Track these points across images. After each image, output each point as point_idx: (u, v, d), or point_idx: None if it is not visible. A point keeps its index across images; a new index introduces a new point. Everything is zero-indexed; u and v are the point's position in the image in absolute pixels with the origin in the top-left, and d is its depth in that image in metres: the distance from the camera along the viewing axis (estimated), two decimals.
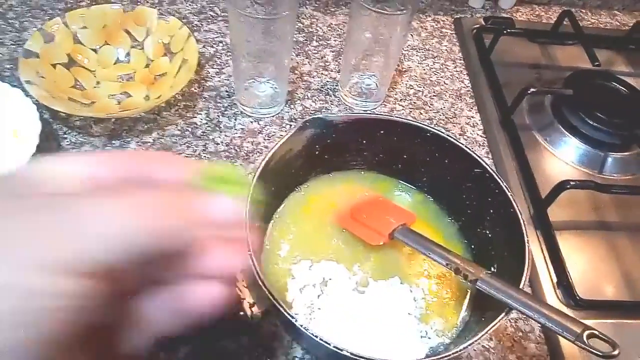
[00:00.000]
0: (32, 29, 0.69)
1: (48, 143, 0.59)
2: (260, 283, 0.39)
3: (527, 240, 0.45)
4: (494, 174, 0.48)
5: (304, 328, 0.37)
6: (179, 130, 0.62)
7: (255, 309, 0.41)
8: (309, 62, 0.72)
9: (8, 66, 0.66)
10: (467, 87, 0.74)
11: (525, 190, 0.62)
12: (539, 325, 0.49)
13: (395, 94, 0.71)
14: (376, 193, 0.56)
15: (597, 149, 0.67)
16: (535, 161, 0.65)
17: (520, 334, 0.51)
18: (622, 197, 0.62)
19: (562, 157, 0.67)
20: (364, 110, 0.68)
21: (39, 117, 0.55)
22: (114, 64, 0.67)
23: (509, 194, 0.47)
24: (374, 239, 0.50)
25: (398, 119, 0.53)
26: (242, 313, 0.41)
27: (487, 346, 0.50)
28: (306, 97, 0.68)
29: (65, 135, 0.60)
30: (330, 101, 0.68)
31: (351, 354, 0.37)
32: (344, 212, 0.53)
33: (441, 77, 0.74)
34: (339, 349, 0.37)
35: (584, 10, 0.93)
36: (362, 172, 0.58)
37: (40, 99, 0.56)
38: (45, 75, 0.60)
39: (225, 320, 0.41)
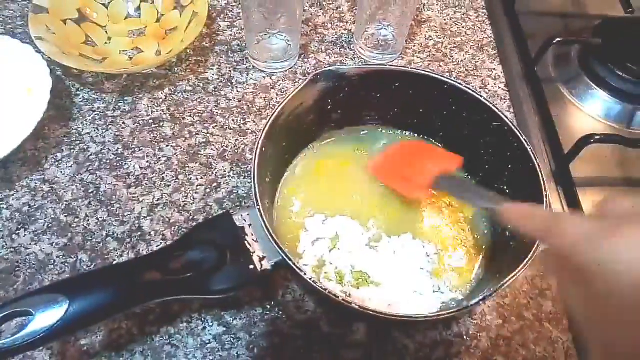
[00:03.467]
0: None
1: (61, 100, 0.59)
2: (269, 237, 0.39)
3: (547, 195, 0.43)
4: (513, 127, 0.46)
5: (312, 281, 0.37)
6: (190, 86, 0.61)
7: (265, 263, 0.41)
8: (323, 14, 0.70)
9: (20, 23, 0.65)
10: (490, 38, 0.70)
11: (547, 145, 0.60)
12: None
13: (414, 46, 0.68)
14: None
15: (626, 102, 0.64)
16: (559, 115, 0.62)
17: (537, 291, 0.50)
18: None
19: (588, 111, 0.64)
20: (381, 64, 0.66)
21: (49, 73, 0.55)
22: (125, 19, 0.66)
23: (528, 147, 0.45)
24: (412, 192, 0.48)
25: (414, 70, 0.51)
26: (251, 267, 0.40)
27: (502, 303, 0.49)
28: (320, 50, 0.66)
29: (78, 92, 0.60)
30: (345, 54, 0.66)
31: (359, 306, 0.37)
32: (379, 161, 0.50)
33: (462, 27, 0.71)
34: (347, 302, 0.37)
35: None
36: (377, 127, 0.56)
37: (51, 55, 0.56)
38: (55, 31, 0.60)
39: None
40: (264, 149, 0.44)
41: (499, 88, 0.65)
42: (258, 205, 0.40)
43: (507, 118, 0.47)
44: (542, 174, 0.44)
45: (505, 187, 0.50)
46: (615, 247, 0.23)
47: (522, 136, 0.46)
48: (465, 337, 0.47)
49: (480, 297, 0.38)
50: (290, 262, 0.38)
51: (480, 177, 0.53)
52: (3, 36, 0.58)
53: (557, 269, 0.29)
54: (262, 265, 0.41)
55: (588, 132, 0.56)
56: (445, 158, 0.50)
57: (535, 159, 0.45)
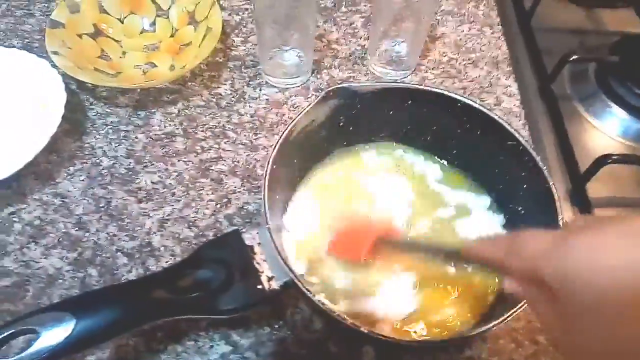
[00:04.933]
0: None
1: (75, 114, 0.59)
2: (279, 258, 0.38)
3: (562, 217, 0.42)
4: (527, 146, 0.46)
5: (321, 303, 0.37)
6: (203, 100, 0.62)
7: (273, 282, 0.41)
8: (336, 29, 0.70)
9: (37, 37, 0.66)
10: (505, 54, 0.70)
11: (563, 164, 0.59)
12: None
13: (427, 62, 0.68)
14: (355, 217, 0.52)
15: None
16: (575, 134, 0.61)
17: None
18: None
19: (605, 130, 0.63)
20: (394, 80, 0.65)
21: (64, 87, 0.56)
22: (140, 33, 0.67)
23: (543, 168, 0.44)
24: (357, 258, 0.46)
25: (427, 88, 0.50)
26: (259, 287, 0.40)
27: (515, 326, 0.48)
28: (333, 66, 0.66)
29: (92, 106, 0.61)
30: (359, 70, 0.66)
31: (368, 330, 0.36)
32: (332, 242, 0.49)
33: (477, 43, 0.70)
34: (356, 325, 0.36)
35: None
36: (389, 145, 0.56)
37: (66, 69, 0.56)
38: (71, 45, 0.60)
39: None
40: (274, 167, 0.44)
41: (514, 105, 0.64)
42: (267, 224, 0.40)
43: (521, 137, 0.46)
44: (557, 196, 0.43)
45: (519, 207, 0.49)
46: (568, 253, 0.24)
47: (536, 156, 0.45)
48: None
49: (494, 323, 0.37)
50: (298, 283, 0.37)
51: (493, 196, 0.52)
52: (20, 50, 0.59)
53: (526, 291, 0.28)
54: (270, 285, 0.40)
55: (605, 151, 0.55)
56: (382, 229, 0.48)
57: (550, 180, 0.44)
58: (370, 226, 0.49)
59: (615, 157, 0.53)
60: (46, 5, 0.69)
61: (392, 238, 0.47)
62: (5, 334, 0.33)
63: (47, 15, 0.67)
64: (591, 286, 0.22)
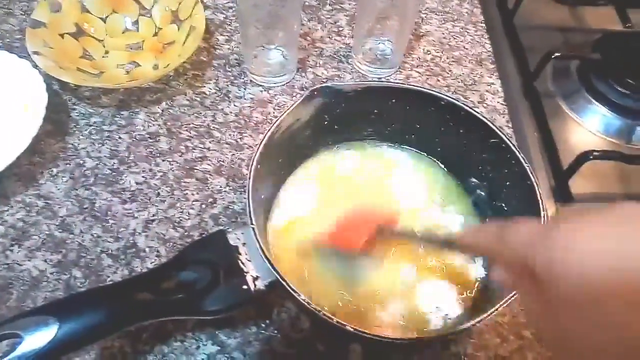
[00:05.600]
0: None
1: (57, 115, 0.59)
2: (263, 257, 0.38)
3: (544, 214, 0.42)
4: (510, 144, 0.46)
5: (307, 302, 0.37)
6: (187, 100, 0.61)
7: (259, 282, 0.41)
8: (321, 28, 0.70)
9: (18, 37, 0.65)
10: (488, 52, 0.70)
11: (546, 161, 0.60)
12: None
13: (412, 60, 0.68)
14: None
15: (626, 118, 0.63)
16: (558, 130, 0.62)
17: None
18: None
19: (588, 127, 0.63)
20: (379, 78, 0.66)
21: (46, 88, 0.55)
22: (122, 32, 0.66)
23: (526, 165, 0.45)
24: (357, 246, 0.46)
25: (410, 86, 0.50)
26: (245, 287, 0.40)
27: (501, 321, 0.48)
28: (318, 64, 0.66)
29: (75, 107, 0.60)
30: (343, 69, 0.66)
31: (354, 329, 0.36)
32: (330, 233, 0.48)
33: (461, 41, 0.71)
34: (342, 324, 0.36)
35: None
36: (374, 143, 0.56)
37: (48, 69, 0.56)
38: (53, 45, 0.60)
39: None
40: (259, 167, 0.43)
41: (498, 103, 0.65)
42: (253, 224, 0.40)
43: (504, 135, 0.47)
44: (539, 193, 0.43)
45: (503, 205, 0.49)
46: (555, 242, 0.24)
47: (519, 153, 0.45)
48: (463, 356, 0.46)
49: (480, 317, 0.38)
50: (284, 282, 0.37)
51: (478, 194, 0.52)
52: (1, 51, 0.58)
53: (514, 280, 0.28)
54: (255, 285, 0.40)
55: (587, 147, 0.56)
56: (384, 215, 0.48)
57: (534, 177, 0.44)
58: (369, 215, 0.48)
59: (597, 154, 0.54)
60: (27, 4, 0.69)
61: (392, 226, 0.46)
62: None
63: (27, 14, 0.67)
64: (577, 274, 0.22)
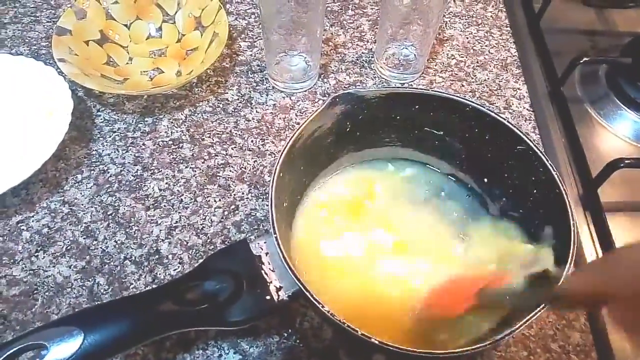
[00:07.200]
0: (66, 5, 0.69)
1: (82, 121, 0.59)
2: (287, 268, 0.38)
3: (573, 223, 0.41)
4: (537, 150, 0.45)
5: (330, 314, 0.36)
6: (210, 106, 0.61)
7: (282, 293, 0.40)
8: (343, 33, 0.69)
9: (44, 44, 0.66)
10: (514, 56, 0.69)
11: (574, 168, 0.58)
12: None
13: (435, 65, 0.67)
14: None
15: None
16: (586, 137, 0.60)
17: (564, 322, 0.48)
18: None
19: (617, 133, 0.62)
20: (402, 83, 0.65)
21: (71, 95, 0.56)
22: (146, 39, 0.67)
23: (554, 172, 0.44)
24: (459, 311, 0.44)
25: (434, 92, 0.49)
26: (268, 297, 0.40)
27: (528, 334, 0.47)
28: (340, 70, 0.65)
29: (99, 113, 0.61)
30: (366, 74, 0.65)
31: (379, 342, 0.35)
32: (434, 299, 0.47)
33: (485, 46, 0.70)
34: (367, 336, 0.35)
35: None
36: (397, 150, 0.55)
37: (73, 76, 0.56)
38: (78, 52, 0.60)
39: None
40: (281, 175, 0.43)
41: (524, 108, 0.63)
42: (275, 233, 0.39)
43: (531, 141, 0.46)
44: (569, 201, 0.42)
45: (530, 214, 0.48)
46: None
47: (547, 161, 0.44)
48: None
49: (507, 332, 0.37)
50: (307, 293, 0.37)
51: (503, 202, 0.51)
52: (28, 58, 0.59)
53: (634, 317, 0.24)
54: (279, 295, 0.40)
55: (617, 154, 0.54)
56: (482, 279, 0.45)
57: (562, 185, 0.43)
58: (468, 280, 0.47)
59: (627, 161, 0.53)
60: (53, 12, 0.70)
61: (494, 288, 0.43)
62: (15, 348, 0.33)
63: (53, 22, 0.68)
64: None
